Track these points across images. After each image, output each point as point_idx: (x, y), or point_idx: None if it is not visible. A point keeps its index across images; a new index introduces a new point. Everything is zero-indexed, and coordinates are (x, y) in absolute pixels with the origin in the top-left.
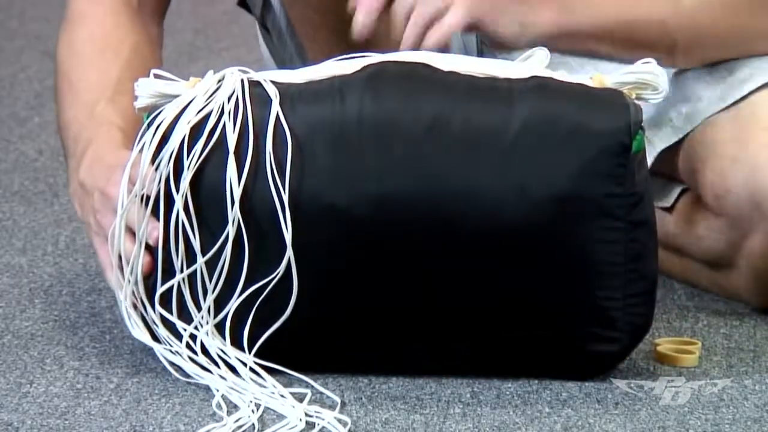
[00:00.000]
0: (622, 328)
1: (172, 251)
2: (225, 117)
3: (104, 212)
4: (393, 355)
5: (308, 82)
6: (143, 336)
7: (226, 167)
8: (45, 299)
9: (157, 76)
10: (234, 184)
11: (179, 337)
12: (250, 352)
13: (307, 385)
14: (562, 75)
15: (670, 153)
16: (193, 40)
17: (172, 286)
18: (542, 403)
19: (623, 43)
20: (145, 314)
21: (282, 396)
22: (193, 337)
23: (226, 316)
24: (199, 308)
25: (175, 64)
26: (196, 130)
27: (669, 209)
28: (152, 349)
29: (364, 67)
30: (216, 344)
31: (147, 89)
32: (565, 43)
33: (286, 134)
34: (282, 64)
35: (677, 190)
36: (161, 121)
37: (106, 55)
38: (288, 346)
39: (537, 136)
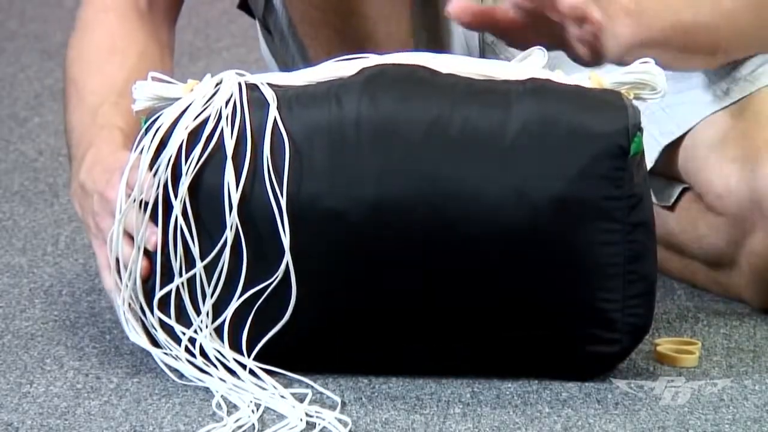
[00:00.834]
0: (622, 329)
1: (171, 256)
2: (223, 122)
3: (103, 215)
4: (393, 356)
5: (306, 85)
6: (141, 340)
7: (224, 172)
8: (45, 299)
9: (155, 79)
10: (232, 188)
11: (178, 341)
12: (249, 356)
13: (307, 386)
14: (559, 76)
15: (670, 152)
16: (193, 40)
17: (171, 290)
18: (542, 403)
19: (678, 49)
20: (144, 318)
21: (282, 396)
22: (192, 340)
23: (225, 319)
24: (198, 312)
25: (175, 64)
26: (194, 135)
27: (670, 208)
28: None
29: (362, 70)
30: (215, 347)
31: (145, 92)
32: (636, 54)
33: (283, 138)
34: (284, 65)
35: (678, 189)
36: (159, 126)
37: (113, 61)
38: (287, 347)
39: (535, 138)
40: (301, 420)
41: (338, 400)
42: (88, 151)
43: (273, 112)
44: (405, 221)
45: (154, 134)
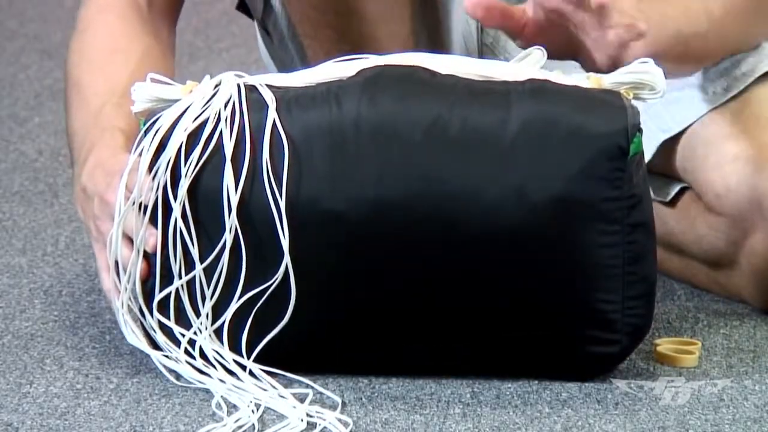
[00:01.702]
0: (622, 330)
1: (170, 258)
2: (222, 124)
3: (103, 218)
4: (393, 356)
5: (305, 86)
6: (140, 343)
7: (223, 174)
8: (45, 299)
9: (153, 81)
10: (231, 190)
11: (177, 343)
12: (249, 357)
13: (307, 386)
14: (558, 76)
15: (669, 149)
16: (193, 40)
17: (170, 292)
18: (542, 403)
19: (675, 58)
20: (143, 321)
21: (282, 397)
22: (191, 342)
23: (224, 321)
24: (197, 314)
25: (175, 64)
26: (193, 137)
27: (670, 207)
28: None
29: (361, 71)
30: (215, 348)
31: (143, 94)
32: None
33: (283, 140)
34: (282, 66)
35: (677, 187)
36: (158, 128)
37: (115, 61)
38: (287, 348)
39: (534, 138)
40: (301, 420)
41: (338, 400)
42: (89, 155)
43: (272, 114)
44: (404, 222)
45: (153, 136)
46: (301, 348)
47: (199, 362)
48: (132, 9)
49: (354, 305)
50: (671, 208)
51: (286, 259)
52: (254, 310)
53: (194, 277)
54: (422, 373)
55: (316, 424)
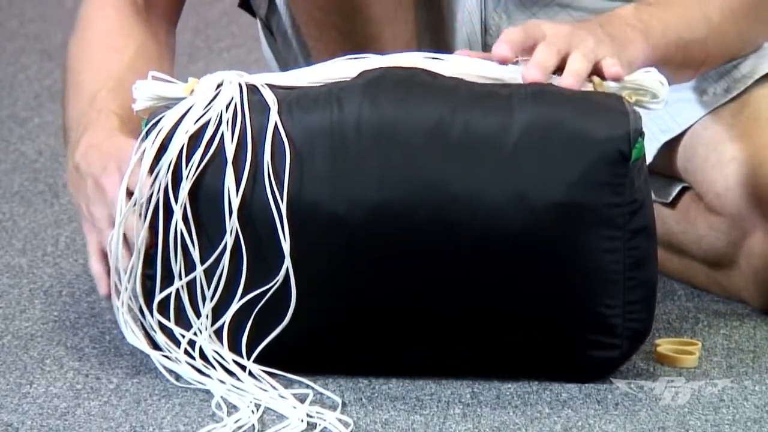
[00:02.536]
0: (622, 334)
1: (171, 259)
2: (223, 126)
3: (96, 202)
4: (393, 356)
5: (306, 88)
6: (140, 343)
7: (224, 176)
8: (45, 299)
9: (155, 78)
10: (232, 192)
11: (177, 343)
12: (249, 358)
13: (307, 386)
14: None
15: (670, 150)
16: (193, 40)
17: (171, 293)
18: (542, 403)
19: (674, 65)
20: (143, 321)
21: (282, 397)
22: (191, 343)
23: (224, 322)
24: (198, 315)
25: (175, 64)
26: (194, 139)
27: (670, 207)
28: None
29: (363, 73)
30: (215, 348)
31: (145, 92)
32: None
33: (284, 142)
34: (285, 64)
35: (677, 188)
36: (159, 130)
37: (111, 54)
38: (288, 348)
39: (536, 143)
40: (302, 421)
41: (338, 400)
42: (83, 134)
43: (274, 116)
44: (406, 225)
45: (155, 138)
46: (301, 348)
47: (199, 363)
48: (129, 6)
49: (354, 306)
50: (671, 208)
51: (287, 260)
52: (255, 312)
53: (195, 277)
54: (422, 374)
55: (316, 424)
